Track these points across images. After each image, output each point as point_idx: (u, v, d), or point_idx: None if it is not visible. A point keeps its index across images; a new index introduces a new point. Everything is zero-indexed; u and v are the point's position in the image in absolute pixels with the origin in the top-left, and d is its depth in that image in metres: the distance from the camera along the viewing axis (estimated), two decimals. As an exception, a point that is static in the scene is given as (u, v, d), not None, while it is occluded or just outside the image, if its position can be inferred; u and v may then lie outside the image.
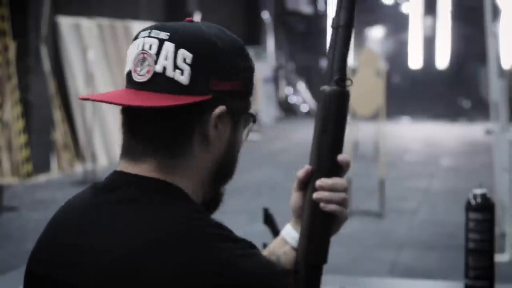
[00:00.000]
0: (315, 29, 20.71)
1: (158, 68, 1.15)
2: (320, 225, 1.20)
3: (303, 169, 1.22)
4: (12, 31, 9.56)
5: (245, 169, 10.80)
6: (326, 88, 1.20)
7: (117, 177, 1.18)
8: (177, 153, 1.16)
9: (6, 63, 9.48)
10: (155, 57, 1.15)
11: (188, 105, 1.14)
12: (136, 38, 1.21)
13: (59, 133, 10.20)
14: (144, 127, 1.16)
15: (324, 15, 20.63)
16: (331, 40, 1.23)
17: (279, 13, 20.31)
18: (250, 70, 1.23)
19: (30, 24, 9.76)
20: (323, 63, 20.67)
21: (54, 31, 10.44)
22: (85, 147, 10.43)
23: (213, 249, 1.09)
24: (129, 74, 1.18)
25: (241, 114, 1.22)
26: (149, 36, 1.18)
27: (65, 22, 10.69)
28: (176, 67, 1.14)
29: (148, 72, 1.15)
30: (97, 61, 10.86)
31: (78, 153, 10.62)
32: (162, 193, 1.14)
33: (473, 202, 1.86)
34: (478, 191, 1.86)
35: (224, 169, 1.23)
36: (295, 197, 1.27)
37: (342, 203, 1.20)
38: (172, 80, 1.14)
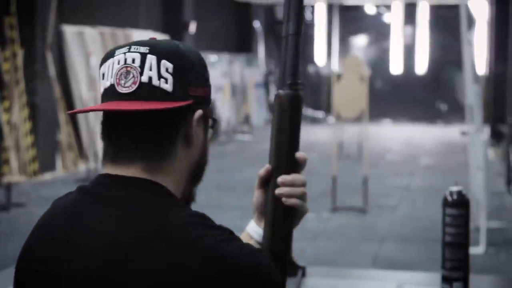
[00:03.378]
0: (303, 37, 20.68)
1: (144, 78, 1.15)
2: (282, 218, 1.20)
3: (264, 168, 1.24)
4: (20, 39, 9.53)
5: (237, 168, 10.77)
6: (280, 92, 1.22)
7: (103, 179, 1.19)
8: (162, 155, 1.16)
9: (14, 69, 9.44)
10: (139, 69, 1.15)
11: (173, 110, 1.15)
12: (111, 56, 1.19)
13: (64, 134, 10.17)
14: (131, 132, 1.16)
15: (311, 24, 20.62)
16: (282, 48, 1.25)
17: (270, 22, 20.31)
18: (209, 78, 1.25)
19: (37, 33, 9.73)
20: (310, 69, 20.67)
21: (59, 39, 10.41)
22: (88, 147, 10.41)
23: (193, 237, 1.08)
24: (111, 87, 1.17)
25: (209, 117, 1.23)
26: (129, 51, 1.17)
27: (70, 31, 10.66)
28: (160, 76, 1.15)
29: (134, 83, 1.15)
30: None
31: (81, 153, 10.59)
32: (147, 191, 1.14)
33: (449, 198, 1.86)
34: (454, 188, 1.86)
35: (199, 169, 1.23)
36: (257, 194, 1.27)
37: (302, 197, 1.21)
38: (158, 88, 1.15)
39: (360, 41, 20.69)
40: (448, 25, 18.59)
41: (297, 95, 1.22)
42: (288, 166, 1.21)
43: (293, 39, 1.24)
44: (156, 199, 1.13)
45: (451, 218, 1.84)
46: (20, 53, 9.48)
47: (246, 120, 16.51)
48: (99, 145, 10.55)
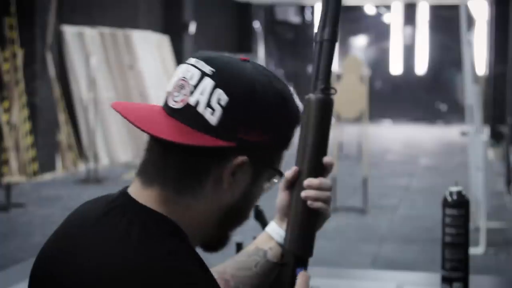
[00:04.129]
0: (303, 37, 20.71)
1: (192, 100, 1.06)
2: (306, 221, 1.21)
3: (291, 169, 1.22)
4: (20, 40, 9.53)
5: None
6: (312, 96, 1.21)
7: (123, 199, 1.11)
8: (185, 190, 1.07)
9: (14, 69, 9.44)
10: (192, 88, 1.06)
11: (209, 148, 1.05)
12: (187, 60, 1.12)
13: (64, 135, 10.17)
14: (162, 154, 1.08)
15: (311, 25, 20.63)
16: (315, 52, 1.25)
17: (269, 22, 20.31)
18: (288, 125, 1.12)
19: (37, 33, 9.73)
20: (310, 69, 20.68)
21: (59, 39, 10.41)
22: (87, 147, 10.40)
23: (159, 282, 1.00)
24: (167, 95, 1.11)
25: (265, 167, 1.12)
26: (194, 66, 1.08)
27: (69, 31, 10.66)
28: (209, 105, 1.05)
29: (182, 100, 1.07)
30: (99, 67, 10.84)
31: (81, 153, 10.59)
32: (152, 227, 1.05)
33: (449, 198, 1.86)
34: (454, 189, 1.86)
35: (233, 216, 1.14)
36: (281, 196, 1.26)
37: (327, 201, 1.21)
38: (201, 117, 1.05)
39: (360, 41, 20.69)
40: (448, 25, 18.59)
41: (329, 100, 1.22)
42: (315, 170, 1.20)
43: (328, 44, 1.22)
44: (157, 239, 1.04)
45: (451, 219, 1.84)
46: (20, 53, 9.48)
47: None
48: (99, 145, 10.55)
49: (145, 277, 1.00)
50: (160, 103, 1.13)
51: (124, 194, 1.12)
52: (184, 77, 1.09)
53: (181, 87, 1.08)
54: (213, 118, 1.05)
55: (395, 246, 6.33)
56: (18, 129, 9.37)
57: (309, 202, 1.19)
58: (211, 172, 1.07)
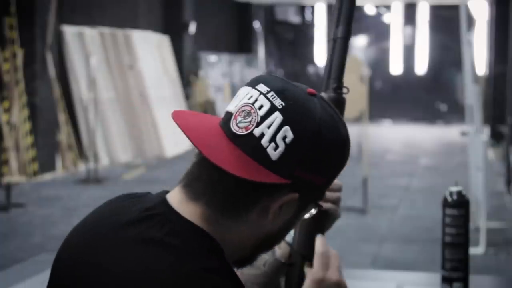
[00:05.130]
0: (303, 37, 20.71)
1: (257, 132, 1.03)
2: (318, 222, 1.21)
3: None
4: (20, 40, 9.53)
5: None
6: (324, 95, 1.21)
7: (164, 208, 1.08)
8: (229, 216, 1.06)
9: (14, 69, 9.44)
10: (259, 120, 1.03)
11: (264, 183, 1.03)
12: (254, 83, 1.08)
13: (64, 135, 10.17)
14: (214, 175, 1.05)
15: (311, 25, 20.63)
16: (329, 50, 1.25)
17: (269, 22, 20.30)
18: (340, 167, 1.11)
19: (37, 33, 9.73)
20: (310, 69, 20.67)
21: (59, 39, 10.41)
22: (87, 147, 10.40)
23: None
24: (228, 115, 1.07)
25: (310, 203, 1.12)
26: (265, 96, 1.05)
27: (69, 31, 10.66)
28: (273, 140, 1.03)
29: (246, 128, 1.04)
30: (99, 67, 10.84)
31: (81, 153, 10.59)
32: (193, 242, 1.04)
33: (449, 199, 1.86)
34: (454, 189, 1.86)
35: (270, 242, 1.13)
36: None
37: (336, 201, 1.21)
38: (263, 150, 1.03)
39: (360, 41, 20.69)
40: (448, 25, 18.59)
41: (341, 99, 1.22)
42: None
43: (342, 42, 1.23)
44: (195, 256, 1.03)
45: (451, 219, 1.84)
46: (20, 53, 9.48)
47: (246, 120, 16.50)
48: (99, 145, 10.55)
49: None
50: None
51: (164, 202, 1.09)
52: (252, 105, 1.06)
53: (248, 114, 1.05)
54: (275, 153, 1.03)
55: (395, 246, 6.32)
56: (18, 129, 9.37)
57: (319, 203, 1.19)
58: (260, 203, 1.06)
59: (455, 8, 14.21)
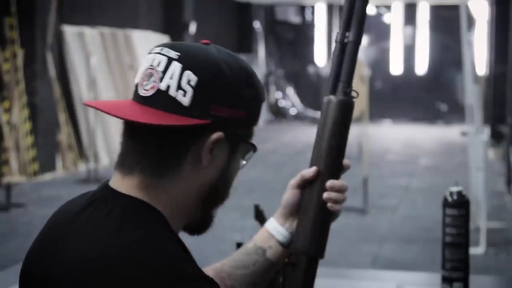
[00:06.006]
0: (303, 37, 20.70)
1: (163, 85, 1.09)
2: (324, 222, 1.22)
3: (311, 169, 1.23)
4: (20, 40, 9.53)
5: (237, 168, 10.75)
6: (333, 98, 1.22)
7: (104, 191, 1.13)
8: (164, 174, 1.10)
9: (14, 69, 9.44)
10: (161, 75, 1.09)
11: (185, 127, 1.08)
12: (150, 51, 1.14)
13: (64, 135, 10.17)
14: (139, 141, 1.11)
15: (311, 25, 20.62)
16: (335, 52, 1.25)
17: (270, 22, 20.30)
18: (256, 100, 1.15)
19: (37, 33, 9.73)
20: (310, 69, 20.67)
21: (59, 39, 10.41)
22: (88, 147, 10.40)
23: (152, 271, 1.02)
24: (136, 86, 1.13)
25: (239, 142, 1.15)
26: (160, 53, 1.11)
27: (70, 31, 10.66)
28: (179, 87, 1.08)
29: (152, 88, 1.10)
30: (99, 67, 10.84)
31: (81, 153, 10.59)
32: (131, 213, 1.07)
33: (449, 199, 1.86)
34: (454, 189, 1.86)
35: (214, 194, 1.15)
36: (292, 194, 1.26)
37: (342, 202, 1.23)
38: (173, 100, 1.08)
39: (360, 41, 20.67)
40: (448, 25, 18.58)
41: (350, 102, 1.23)
42: (336, 171, 1.22)
43: (352, 46, 1.24)
44: (138, 225, 1.06)
45: (451, 219, 1.84)
46: (20, 53, 9.48)
47: (246, 120, 16.50)
48: (99, 145, 10.55)
49: (126, 261, 1.02)
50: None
51: (105, 187, 1.14)
52: (151, 66, 1.11)
53: (150, 75, 1.11)
54: (185, 99, 1.08)
55: (395, 246, 6.33)
56: (18, 129, 9.37)
57: (329, 204, 1.20)
58: (189, 152, 1.10)
59: (455, 8, 14.21)
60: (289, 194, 1.27)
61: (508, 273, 5.48)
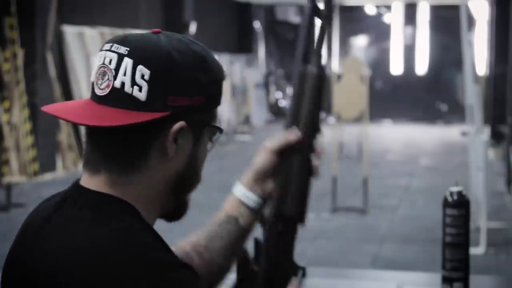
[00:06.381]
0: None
1: (117, 83, 1.08)
2: (308, 188, 1.23)
3: (295, 134, 1.21)
4: (20, 40, 9.53)
5: (238, 169, 10.75)
6: (310, 68, 1.24)
7: (74, 190, 1.14)
8: (130, 169, 1.09)
9: (14, 69, 9.45)
10: (114, 72, 1.08)
11: (144, 123, 1.06)
12: (101, 48, 1.13)
13: (64, 135, 10.17)
14: (101, 141, 1.10)
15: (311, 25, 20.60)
16: (305, 23, 1.27)
17: (270, 22, 20.31)
18: (214, 83, 1.14)
19: (37, 33, 9.73)
20: (311, 69, 20.66)
21: (59, 39, 10.41)
22: (88, 147, 10.40)
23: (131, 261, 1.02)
24: (92, 85, 1.13)
25: (203, 127, 1.14)
26: (110, 50, 1.10)
27: (70, 31, 10.67)
28: (134, 83, 1.07)
29: (107, 86, 1.09)
30: (100, 67, 10.84)
31: (81, 153, 10.58)
32: (102, 209, 1.08)
33: (449, 199, 1.86)
34: (455, 189, 1.86)
35: (185, 181, 1.15)
36: (268, 158, 1.25)
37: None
38: (130, 96, 1.07)
39: (360, 41, 20.69)
40: (448, 25, 18.58)
41: (324, 74, 1.24)
42: (314, 138, 1.23)
43: (326, 23, 1.26)
44: (110, 218, 1.06)
45: (451, 219, 1.84)
46: (20, 53, 9.48)
47: (247, 120, 16.51)
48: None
49: (100, 255, 1.02)
50: None
51: (75, 185, 1.14)
52: (103, 64, 1.10)
53: (103, 74, 1.10)
54: (141, 94, 1.07)
55: (395, 246, 6.33)
56: (19, 129, 9.37)
57: (316, 170, 1.22)
58: (153, 146, 1.09)
59: (455, 8, 14.21)
60: (265, 158, 1.26)
61: (508, 273, 5.48)
